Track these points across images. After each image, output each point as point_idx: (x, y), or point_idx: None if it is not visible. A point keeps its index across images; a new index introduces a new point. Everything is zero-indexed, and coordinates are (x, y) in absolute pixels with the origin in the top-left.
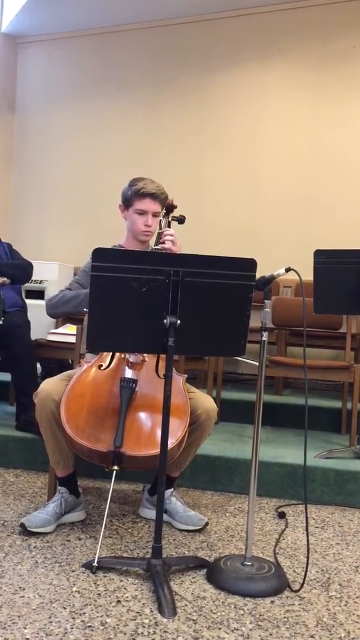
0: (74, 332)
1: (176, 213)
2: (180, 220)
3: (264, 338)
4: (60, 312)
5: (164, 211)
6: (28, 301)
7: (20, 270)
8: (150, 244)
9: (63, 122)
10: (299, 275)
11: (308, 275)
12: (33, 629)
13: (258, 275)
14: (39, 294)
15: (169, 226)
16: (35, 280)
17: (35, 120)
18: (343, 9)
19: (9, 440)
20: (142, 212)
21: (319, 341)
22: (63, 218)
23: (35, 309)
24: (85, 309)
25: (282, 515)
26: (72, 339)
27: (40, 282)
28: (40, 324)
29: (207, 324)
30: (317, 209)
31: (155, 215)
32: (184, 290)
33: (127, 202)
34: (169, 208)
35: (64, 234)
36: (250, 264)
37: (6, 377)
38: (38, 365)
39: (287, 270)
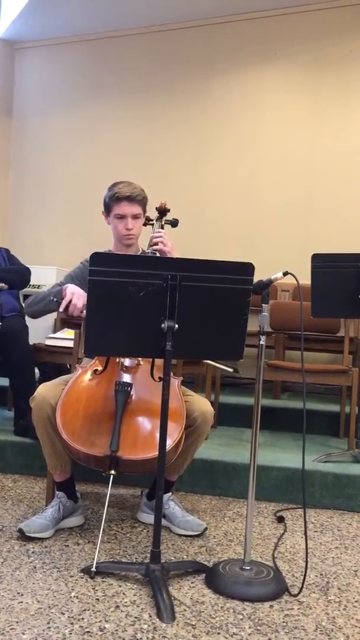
0: (72, 337)
1: (172, 216)
2: (173, 223)
3: (262, 342)
4: (35, 311)
5: (156, 214)
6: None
7: (18, 275)
8: (142, 247)
9: (61, 127)
10: (296, 279)
11: (306, 280)
12: (31, 635)
13: (256, 279)
14: None
15: (161, 229)
16: (33, 285)
17: (33, 125)
18: (339, 14)
19: (7, 445)
20: (121, 217)
21: (317, 345)
22: (61, 223)
23: (27, 316)
24: (53, 298)
25: (280, 520)
26: (70, 344)
27: (38, 287)
28: (39, 328)
29: (205, 328)
30: (315, 213)
31: (135, 217)
32: (181, 295)
33: (107, 208)
34: (162, 211)
35: (62, 239)
36: (248, 268)
37: (4, 381)
38: (36, 370)
39: (285, 274)
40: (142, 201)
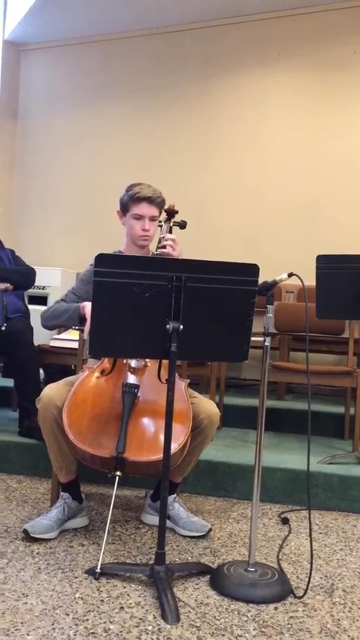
0: (77, 338)
1: (178, 218)
2: (182, 225)
3: (266, 343)
4: (52, 325)
5: (165, 216)
6: (31, 307)
7: (23, 276)
8: (151, 249)
9: (65, 128)
10: (301, 280)
11: (310, 281)
12: (36, 636)
13: (260, 280)
14: (41, 300)
15: (170, 231)
16: (38, 286)
17: (38, 127)
18: (343, 15)
19: (12, 446)
20: (139, 217)
21: (322, 346)
22: (66, 224)
23: (38, 314)
24: (74, 327)
25: (285, 521)
26: (75, 345)
27: (43, 287)
28: (43, 329)
29: (210, 329)
30: (319, 215)
31: (152, 219)
32: (186, 296)
33: (124, 208)
34: (170, 213)
35: (67, 239)
36: (253, 270)
37: (9, 382)
38: (41, 371)
39: (290, 275)
40: (161, 204)
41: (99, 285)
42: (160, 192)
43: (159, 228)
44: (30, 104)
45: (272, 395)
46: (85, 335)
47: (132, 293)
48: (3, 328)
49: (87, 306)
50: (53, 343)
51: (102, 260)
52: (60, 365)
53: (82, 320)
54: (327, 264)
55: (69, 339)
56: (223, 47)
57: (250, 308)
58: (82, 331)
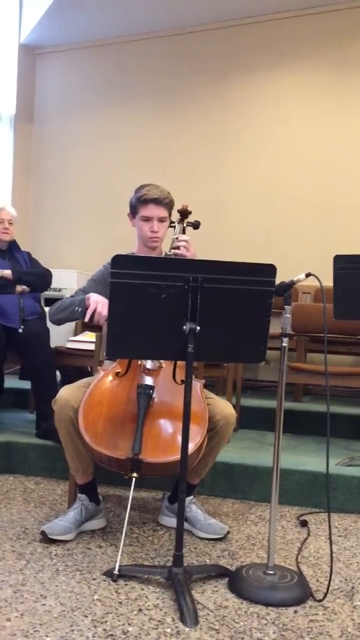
0: (93, 340)
1: (192, 218)
2: (195, 225)
3: (284, 344)
4: (57, 319)
5: (178, 217)
6: (47, 309)
7: (40, 278)
8: (164, 250)
9: (81, 131)
10: (319, 280)
11: (328, 282)
12: (55, 637)
13: (277, 281)
14: None
15: (183, 232)
16: (54, 288)
17: (54, 130)
18: (358, 14)
19: (29, 448)
20: (147, 219)
21: (340, 347)
22: (81, 226)
23: (51, 323)
24: (78, 308)
25: (304, 524)
26: (92, 347)
27: (59, 290)
28: (60, 331)
29: (227, 330)
30: (336, 214)
31: (161, 220)
32: (203, 297)
33: (133, 210)
34: (184, 214)
35: (82, 241)
36: (270, 270)
37: (26, 384)
38: (57, 373)
39: (307, 275)
40: (169, 204)
41: (115, 286)
42: (168, 192)
43: (172, 229)
44: (46, 108)
45: (289, 397)
46: (87, 319)
47: (149, 294)
48: (20, 330)
49: (93, 294)
50: (69, 345)
51: (118, 261)
52: (77, 367)
53: (87, 307)
54: (345, 264)
55: (86, 340)
56: (238, 48)
57: (267, 309)
58: (84, 316)
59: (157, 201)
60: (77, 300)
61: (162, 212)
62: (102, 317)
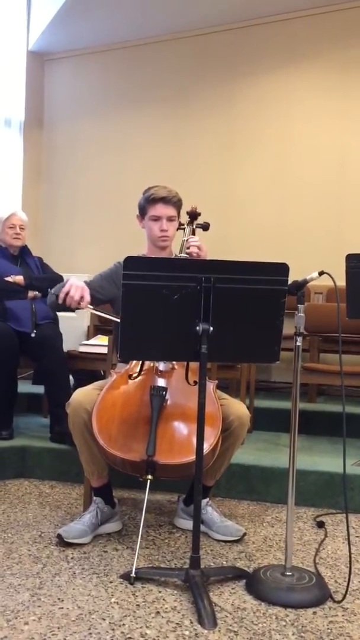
0: (106, 343)
1: (202, 220)
2: (205, 227)
3: (298, 343)
4: (49, 305)
5: (188, 218)
6: (59, 313)
7: (51, 283)
8: (175, 252)
9: (90, 136)
10: (332, 278)
11: (340, 281)
12: None
13: (289, 281)
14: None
15: (193, 233)
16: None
17: (63, 136)
18: None
19: (44, 452)
20: (156, 218)
21: (353, 347)
22: (92, 231)
23: (67, 320)
24: (51, 291)
25: (320, 525)
26: (104, 350)
27: None
28: (72, 335)
29: (240, 330)
30: (347, 214)
31: (170, 219)
32: (216, 297)
33: (142, 211)
34: (193, 215)
35: (94, 246)
36: (283, 269)
37: (39, 389)
38: (70, 377)
39: (321, 274)
40: (177, 204)
41: (128, 288)
42: (176, 192)
43: (182, 231)
44: (55, 113)
45: (303, 397)
46: (60, 301)
47: (161, 295)
48: (33, 335)
49: (70, 280)
50: (82, 349)
51: (130, 263)
52: (90, 370)
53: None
54: (357, 263)
55: (98, 344)
56: (247, 49)
57: (280, 308)
58: (57, 297)
59: (165, 200)
60: (66, 282)
61: (170, 211)
62: (74, 301)
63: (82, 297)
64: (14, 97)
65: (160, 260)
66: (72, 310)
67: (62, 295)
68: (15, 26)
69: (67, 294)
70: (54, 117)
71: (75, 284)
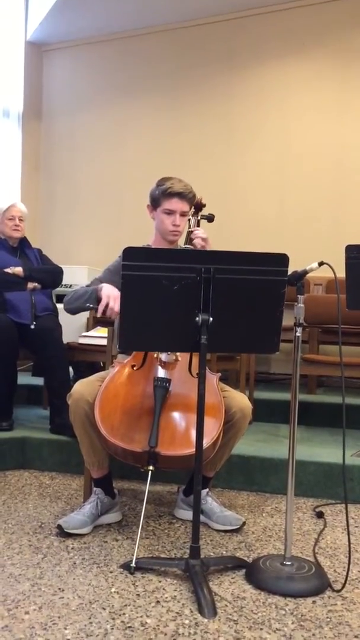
0: (105, 335)
1: (205, 212)
2: (210, 218)
3: (297, 334)
4: (74, 308)
5: (192, 210)
6: (59, 305)
7: (51, 275)
8: (179, 243)
9: (89, 127)
10: (332, 269)
11: (340, 272)
12: (74, 630)
13: (289, 271)
14: None
15: (198, 225)
16: (65, 285)
17: (62, 126)
18: None
19: (44, 444)
20: (170, 212)
21: (353, 338)
22: (91, 222)
23: (66, 312)
24: (88, 305)
25: (320, 515)
26: (104, 342)
27: (71, 286)
28: (72, 327)
29: (240, 320)
30: (347, 204)
31: (183, 214)
32: (215, 288)
33: (154, 202)
34: (198, 207)
35: (93, 238)
36: (282, 259)
37: (39, 381)
38: (70, 369)
39: (320, 264)
40: (192, 200)
41: (127, 279)
42: (191, 187)
43: (187, 222)
44: (54, 104)
45: (303, 389)
46: (99, 314)
47: (161, 286)
48: (32, 326)
49: (105, 287)
50: (82, 340)
51: (129, 253)
52: (89, 362)
53: (99, 301)
54: (357, 254)
55: (98, 335)
56: (245, 39)
57: (280, 299)
58: (96, 310)
59: (181, 195)
60: (89, 291)
61: (185, 206)
62: (114, 313)
63: None
64: (12, 88)
65: (160, 250)
66: (111, 322)
67: (101, 309)
68: (13, 16)
69: (106, 305)
70: (53, 108)
71: (112, 294)
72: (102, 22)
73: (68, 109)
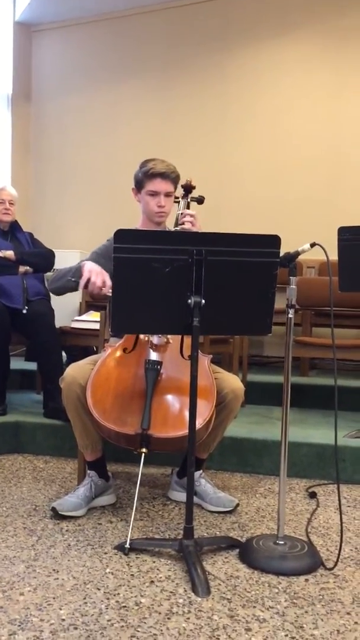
0: (98, 319)
1: (196, 193)
2: (199, 200)
3: (290, 315)
4: (54, 288)
5: (182, 192)
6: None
7: (43, 259)
8: (168, 225)
9: (80, 108)
10: (324, 250)
11: (332, 255)
12: (68, 610)
13: (282, 253)
14: None
15: (188, 207)
16: (57, 269)
17: (52, 109)
18: None
19: (37, 428)
20: (153, 193)
21: (345, 321)
22: (83, 206)
23: (58, 297)
24: (71, 279)
25: (312, 495)
26: (96, 326)
27: None
28: (64, 311)
29: (232, 303)
30: (341, 186)
31: (168, 195)
32: (207, 270)
33: (138, 185)
34: (188, 189)
35: (84, 221)
36: (274, 241)
37: (32, 365)
38: (63, 353)
39: (312, 245)
40: (175, 179)
41: (118, 261)
42: (174, 167)
43: (176, 204)
44: (43, 86)
45: (296, 371)
46: (80, 288)
47: (153, 268)
48: (25, 311)
49: (88, 263)
50: (74, 324)
51: (121, 236)
52: (82, 346)
53: (82, 276)
54: (350, 236)
55: (90, 320)
56: (239, 18)
57: (272, 280)
58: (78, 285)
59: (164, 175)
60: (73, 268)
61: (168, 186)
62: (97, 287)
63: (104, 282)
64: (1, 70)
65: (151, 232)
66: (101, 302)
67: (82, 283)
68: None
69: (88, 280)
70: (43, 90)
71: (95, 269)
72: (92, 2)
73: (58, 90)
